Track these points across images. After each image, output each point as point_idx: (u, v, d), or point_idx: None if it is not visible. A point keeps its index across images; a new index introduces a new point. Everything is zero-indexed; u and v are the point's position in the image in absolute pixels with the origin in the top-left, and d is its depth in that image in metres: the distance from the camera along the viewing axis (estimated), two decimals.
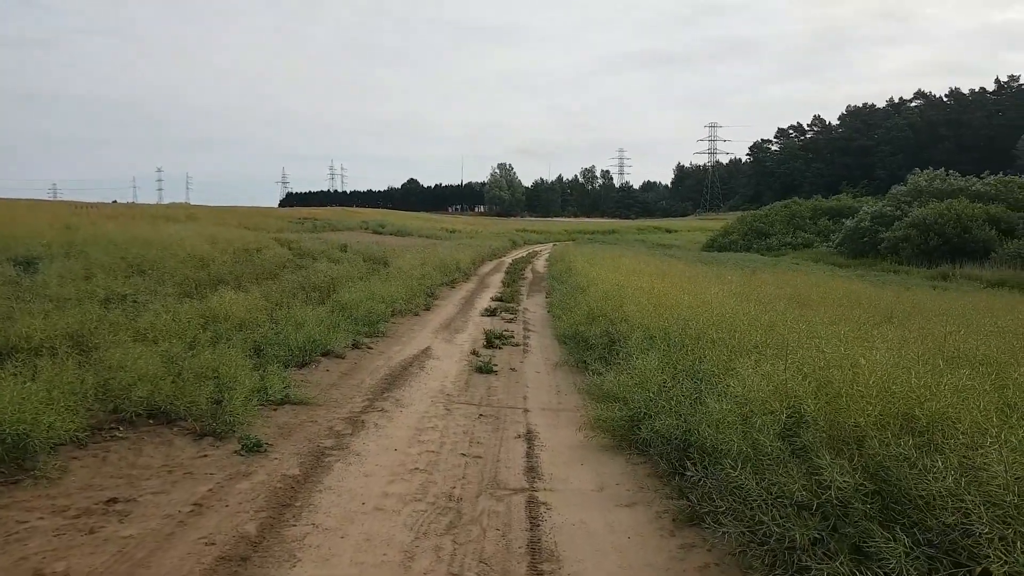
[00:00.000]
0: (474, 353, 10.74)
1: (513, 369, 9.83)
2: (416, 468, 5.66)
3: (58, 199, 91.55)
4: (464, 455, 6.04)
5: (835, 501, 3.49)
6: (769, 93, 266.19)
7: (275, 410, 7.12)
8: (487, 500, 5.08)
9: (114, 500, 4.84)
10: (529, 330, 13.29)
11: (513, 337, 12.28)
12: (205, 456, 5.78)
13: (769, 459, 3.99)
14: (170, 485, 5.15)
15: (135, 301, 11.15)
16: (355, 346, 10.57)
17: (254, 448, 5.89)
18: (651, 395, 5.96)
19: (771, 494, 3.77)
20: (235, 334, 9.69)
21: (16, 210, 31.23)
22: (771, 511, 3.66)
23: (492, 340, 11.66)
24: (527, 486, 5.37)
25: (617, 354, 8.21)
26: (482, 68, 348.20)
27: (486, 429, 6.86)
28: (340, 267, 18.44)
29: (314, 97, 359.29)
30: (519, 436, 6.65)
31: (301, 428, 6.62)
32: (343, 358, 9.82)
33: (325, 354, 9.79)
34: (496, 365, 9.79)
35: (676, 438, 5.30)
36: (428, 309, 15.44)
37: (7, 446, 5.09)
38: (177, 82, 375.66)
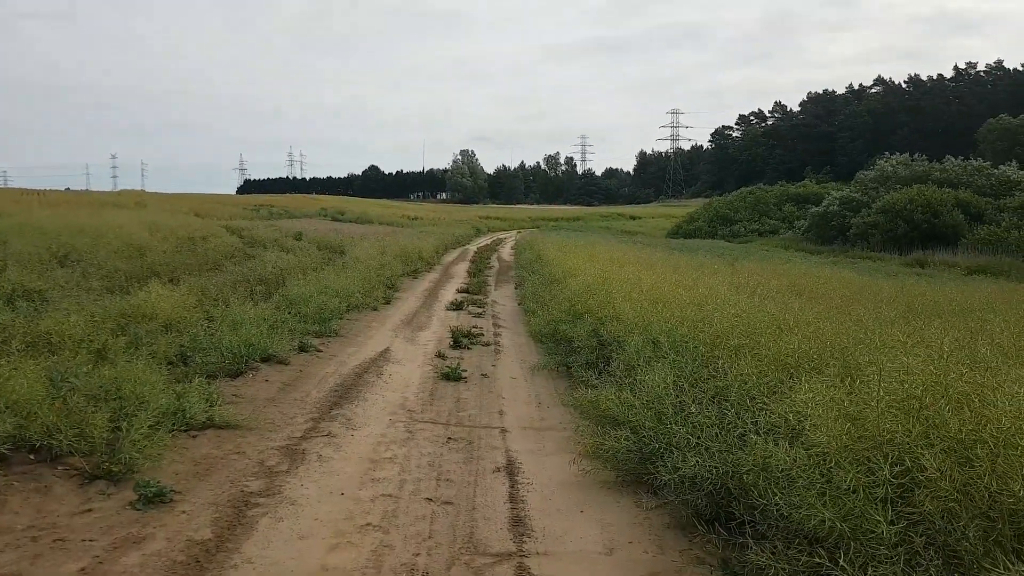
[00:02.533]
0: (439, 355, 9.41)
1: (485, 375, 8.54)
2: (368, 524, 4.34)
3: (8, 186, 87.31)
4: (431, 500, 4.73)
5: None
6: (727, 79, 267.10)
7: (194, 437, 5.73)
8: (463, 574, 3.79)
9: None
10: (500, 326, 11.99)
11: (483, 335, 10.98)
12: (89, 511, 4.39)
13: (877, 542, 2.75)
14: (28, 562, 3.77)
15: (44, 299, 9.61)
16: (302, 349, 9.16)
17: (155, 498, 4.51)
18: (668, 423, 4.71)
19: None
20: (159, 337, 8.25)
21: None
22: None
23: (459, 339, 10.34)
24: (514, 549, 4.09)
25: (609, 360, 6.97)
26: (440, 54, 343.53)
27: (457, 459, 5.56)
28: (291, 257, 16.93)
29: (270, 83, 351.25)
30: (498, 469, 5.37)
31: (223, 464, 5.24)
32: (287, 364, 8.42)
33: (266, 359, 8.39)
34: (465, 370, 8.48)
35: (708, 481, 4.05)
36: (388, 303, 14.05)
37: None
38: (130, 68, 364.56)
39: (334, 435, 6.00)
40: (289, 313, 10.74)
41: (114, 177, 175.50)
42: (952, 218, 36.30)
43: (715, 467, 4.06)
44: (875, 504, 2.90)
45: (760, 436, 3.94)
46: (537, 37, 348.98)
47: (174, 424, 5.70)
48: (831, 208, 42.76)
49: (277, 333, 9.16)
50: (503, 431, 6.35)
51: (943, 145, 74.07)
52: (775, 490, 3.31)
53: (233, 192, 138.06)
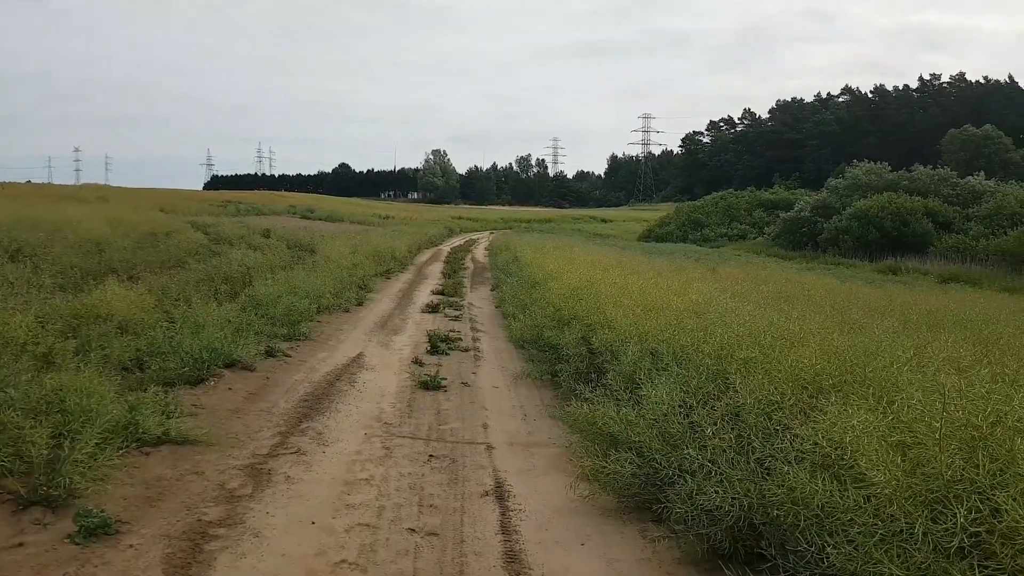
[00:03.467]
0: (416, 362, 8.89)
1: (465, 383, 8.03)
2: (343, 560, 3.82)
3: None
4: (413, 530, 4.23)
5: None
6: (700, 86, 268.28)
7: (147, 455, 5.16)
8: None
9: None
10: (478, 330, 11.49)
11: (461, 340, 10.47)
12: (20, 545, 3.82)
13: None
14: None
15: None
16: (269, 354, 8.58)
17: (98, 529, 3.94)
18: (678, 446, 4.26)
19: None
20: (113, 340, 7.62)
21: None
22: None
23: (437, 344, 9.83)
24: None
25: (601, 371, 6.51)
26: (413, 50, 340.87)
27: (440, 481, 5.06)
28: (259, 255, 16.24)
29: (240, 76, 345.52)
30: (486, 493, 4.87)
31: (179, 486, 4.68)
32: (253, 371, 7.84)
33: (230, 365, 7.80)
34: (445, 379, 7.97)
35: (730, 515, 3.61)
36: (360, 304, 13.47)
37: None
38: (93, 57, 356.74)
39: (304, 452, 5.45)
40: (256, 315, 10.13)
41: (77, 171, 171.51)
42: (921, 226, 36.65)
43: (737, 498, 3.61)
44: (949, 557, 2.48)
45: (789, 465, 3.50)
46: (518, 39, 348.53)
47: (125, 440, 5.12)
48: (802, 214, 42.98)
49: (242, 336, 8.58)
50: (489, 447, 5.86)
51: (907, 154, 75.02)
52: (823, 535, 2.86)
53: (200, 188, 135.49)
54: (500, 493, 4.86)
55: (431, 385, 7.71)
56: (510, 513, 4.53)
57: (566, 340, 7.53)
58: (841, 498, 2.96)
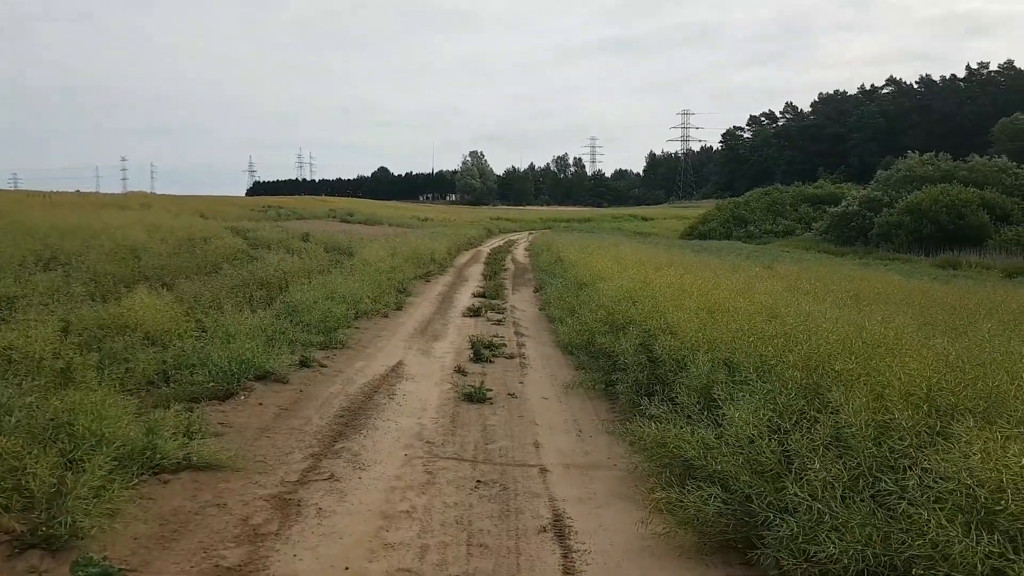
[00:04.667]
0: (459, 371, 8.32)
1: (512, 395, 7.43)
2: None
3: (18, 188, 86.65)
4: None
5: None
6: (738, 79, 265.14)
7: (165, 483, 4.64)
8: None
9: None
10: (523, 335, 10.88)
11: (505, 346, 9.87)
12: None
13: None
14: None
15: (11, 307, 8.55)
16: (304, 364, 8.07)
17: None
18: (774, 479, 3.60)
19: None
20: (138, 352, 7.19)
21: None
22: None
23: (480, 351, 9.24)
24: None
25: (665, 383, 5.85)
26: (447, 53, 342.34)
27: (490, 513, 4.45)
28: (296, 259, 15.81)
29: (279, 85, 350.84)
30: (544, 528, 4.25)
31: (197, 522, 4.14)
32: (285, 383, 7.33)
33: (261, 378, 7.31)
34: (490, 389, 7.37)
35: (848, 569, 2.94)
36: (399, 308, 12.96)
37: None
38: (141, 70, 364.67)
39: (338, 478, 4.90)
40: (290, 322, 9.67)
41: (124, 179, 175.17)
42: (978, 219, 35.16)
43: (857, 548, 2.95)
44: None
45: (925, 509, 2.82)
46: (549, 36, 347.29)
47: (141, 467, 4.63)
48: (851, 208, 41.59)
49: (275, 346, 8.11)
50: (542, 470, 5.24)
51: (956, 146, 72.37)
52: None
53: (242, 194, 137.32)
54: (559, 528, 4.23)
55: (476, 397, 7.12)
56: (573, 555, 3.90)
57: (623, 347, 6.86)
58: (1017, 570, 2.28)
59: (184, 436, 5.22)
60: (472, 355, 9.15)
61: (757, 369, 4.79)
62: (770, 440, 3.90)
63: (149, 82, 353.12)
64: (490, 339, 10.03)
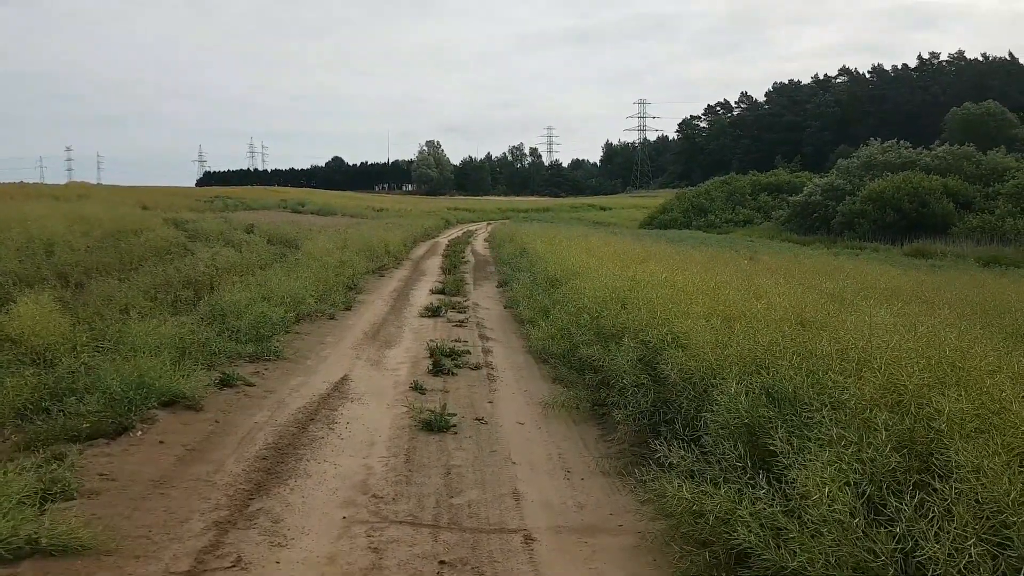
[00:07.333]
0: (415, 387, 6.97)
1: (480, 419, 6.11)
2: None
3: None
4: None
5: None
6: (695, 70, 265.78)
7: None
8: None
9: None
10: (489, 339, 9.57)
11: (469, 353, 8.55)
12: None
13: None
14: None
15: None
16: (225, 383, 6.65)
17: None
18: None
19: None
20: (9, 376, 5.71)
21: None
22: None
23: (441, 361, 7.90)
24: None
25: (681, 410, 4.58)
26: (403, 41, 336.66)
27: None
28: (233, 253, 14.21)
29: (230, 72, 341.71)
30: None
31: None
32: (198, 410, 5.91)
33: (169, 404, 5.89)
34: (453, 414, 6.05)
35: None
36: (348, 308, 11.52)
37: None
38: (85, 56, 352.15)
39: (246, 564, 3.53)
40: (216, 329, 8.21)
41: (69, 170, 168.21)
42: (942, 206, 34.89)
43: None
44: None
45: None
46: (509, 25, 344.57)
47: None
48: (813, 197, 41.09)
49: (189, 361, 6.66)
50: (527, 538, 3.94)
51: (909, 134, 72.77)
52: None
53: (192, 184, 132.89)
54: None
55: (436, 425, 5.78)
56: None
57: (618, 364, 5.56)
58: None
59: (35, 505, 3.80)
60: (431, 366, 7.81)
61: (821, 405, 3.52)
62: (873, 523, 2.65)
63: (98, 70, 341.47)
64: (452, 345, 8.70)
